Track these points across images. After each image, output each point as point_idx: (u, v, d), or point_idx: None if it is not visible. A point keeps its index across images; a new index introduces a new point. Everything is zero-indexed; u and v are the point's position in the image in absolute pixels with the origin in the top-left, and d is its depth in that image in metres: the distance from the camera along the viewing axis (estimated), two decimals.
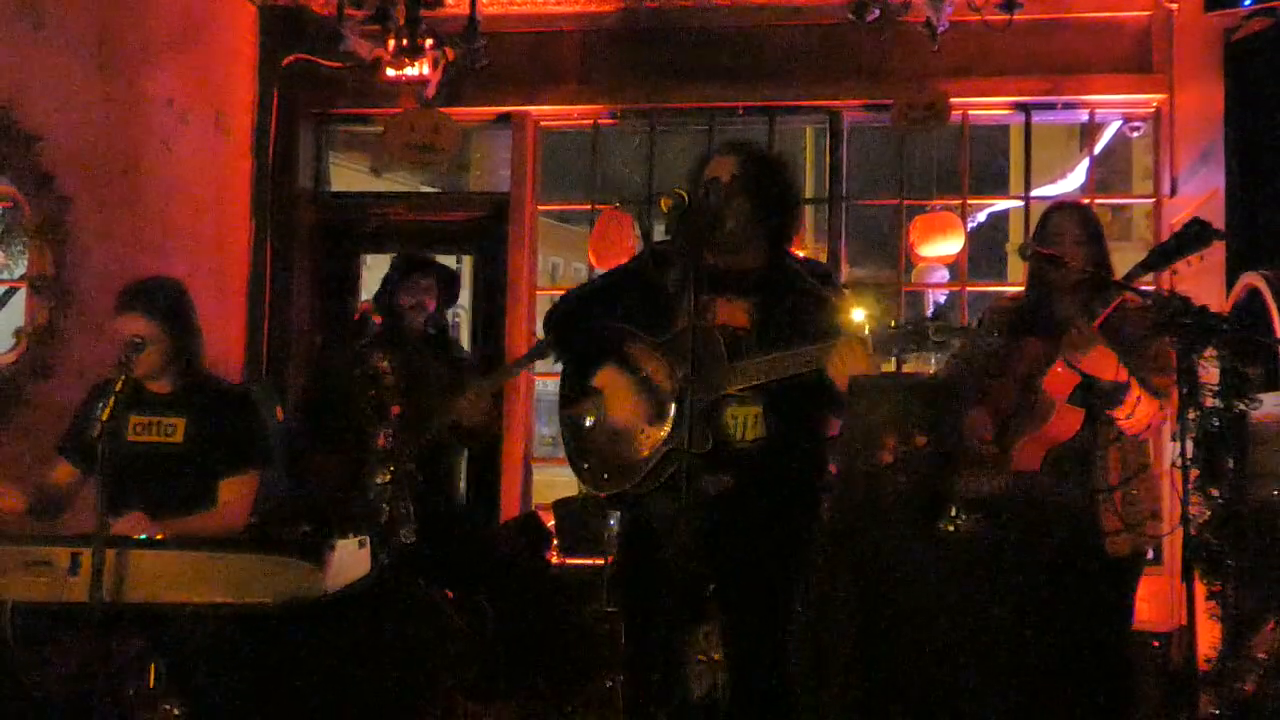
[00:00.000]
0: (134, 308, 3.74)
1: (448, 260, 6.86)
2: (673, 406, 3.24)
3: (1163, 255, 3.35)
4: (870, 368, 3.11)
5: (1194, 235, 3.26)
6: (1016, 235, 8.15)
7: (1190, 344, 3.28)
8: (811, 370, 3.13)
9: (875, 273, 7.51)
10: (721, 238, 3.25)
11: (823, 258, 6.35)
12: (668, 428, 3.24)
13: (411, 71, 5.76)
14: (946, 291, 6.58)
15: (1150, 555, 3.79)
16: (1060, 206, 3.75)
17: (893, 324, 3.07)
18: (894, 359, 3.19)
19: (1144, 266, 3.37)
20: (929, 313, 6.57)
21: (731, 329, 3.26)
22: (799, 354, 3.13)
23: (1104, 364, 3.32)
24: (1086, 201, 6.06)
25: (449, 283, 5.11)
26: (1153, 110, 6.11)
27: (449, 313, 5.14)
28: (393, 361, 4.57)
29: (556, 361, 3.64)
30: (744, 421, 3.23)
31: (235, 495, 3.77)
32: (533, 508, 6.28)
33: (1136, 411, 3.35)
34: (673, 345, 3.25)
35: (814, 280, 3.38)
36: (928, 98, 5.98)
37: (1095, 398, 3.40)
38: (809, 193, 6.79)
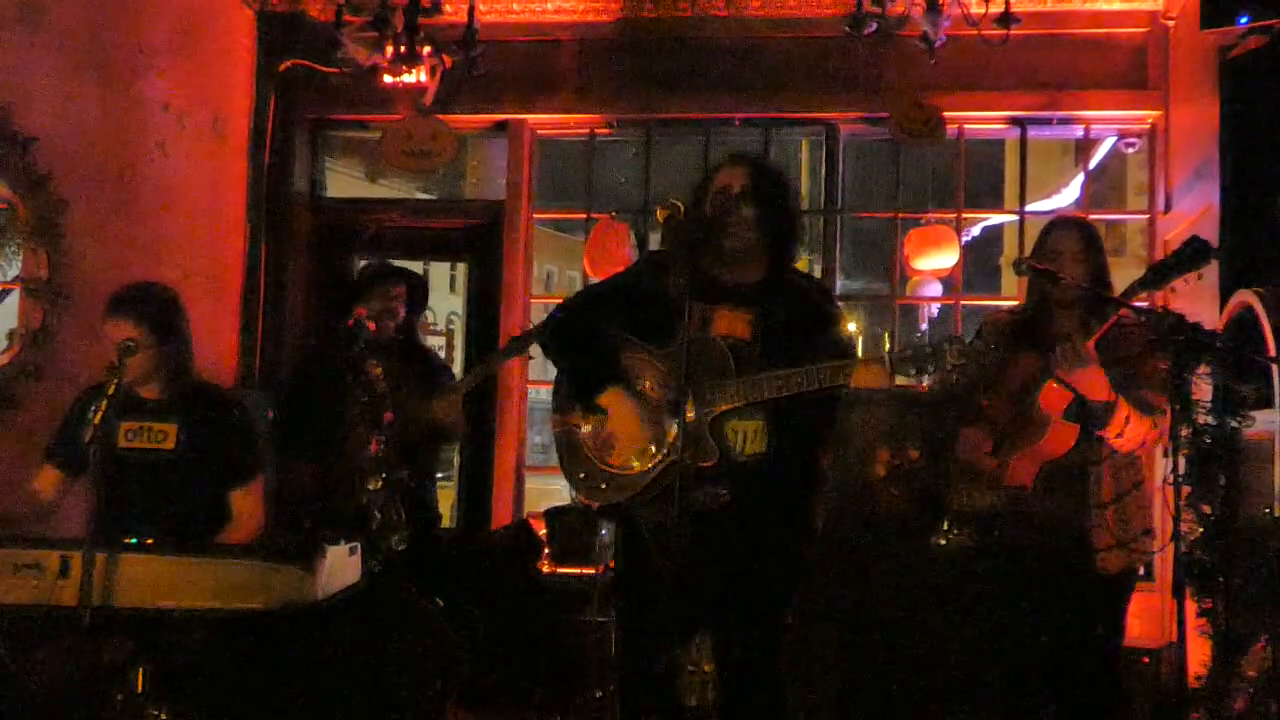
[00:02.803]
0: (123, 312, 3.73)
1: (442, 267, 6.88)
2: (672, 420, 3.23)
3: (1161, 273, 3.35)
4: (882, 385, 3.13)
5: (1192, 253, 3.27)
6: (1011, 249, 8.17)
7: (1184, 361, 3.29)
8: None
9: (869, 285, 7.52)
10: (724, 249, 3.25)
11: (817, 270, 6.36)
12: (669, 440, 3.23)
13: (409, 78, 5.75)
14: (938, 305, 6.58)
15: (1141, 572, 3.78)
16: (1061, 221, 3.75)
17: (902, 346, 3.09)
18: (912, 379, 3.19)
19: (1141, 284, 3.38)
20: (923, 326, 6.59)
21: (734, 339, 3.26)
22: (811, 371, 3.13)
23: (1095, 383, 3.31)
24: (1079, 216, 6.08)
25: (417, 289, 5.10)
26: (1148, 126, 6.13)
27: (424, 319, 5.11)
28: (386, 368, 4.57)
29: (559, 368, 3.61)
30: (745, 435, 3.22)
31: (249, 506, 3.79)
32: (524, 516, 6.27)
33: (1127, 431, 3.34)
34: (674, 356, 3.24)
35: (813, 293, 3.39)
36: (923, 113, 6.00)
37: (1085, 417, 3.40)
38: (804, 205, 6.80)
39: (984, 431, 3.51)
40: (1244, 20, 4.72)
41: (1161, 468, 3.41)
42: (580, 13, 6.37)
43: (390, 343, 4.87)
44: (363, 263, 6.13)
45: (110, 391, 3.37)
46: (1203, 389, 3.93)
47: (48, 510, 3.86)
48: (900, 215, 6.31)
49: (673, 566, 2.99)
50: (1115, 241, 8.90)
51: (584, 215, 6.55)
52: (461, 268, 7.05)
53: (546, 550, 5.57)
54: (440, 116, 6.26)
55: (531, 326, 5.69)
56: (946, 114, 6.10)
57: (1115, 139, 6.38)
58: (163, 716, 3.31)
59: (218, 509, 3.78)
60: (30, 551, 3.25)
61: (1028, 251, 3.74)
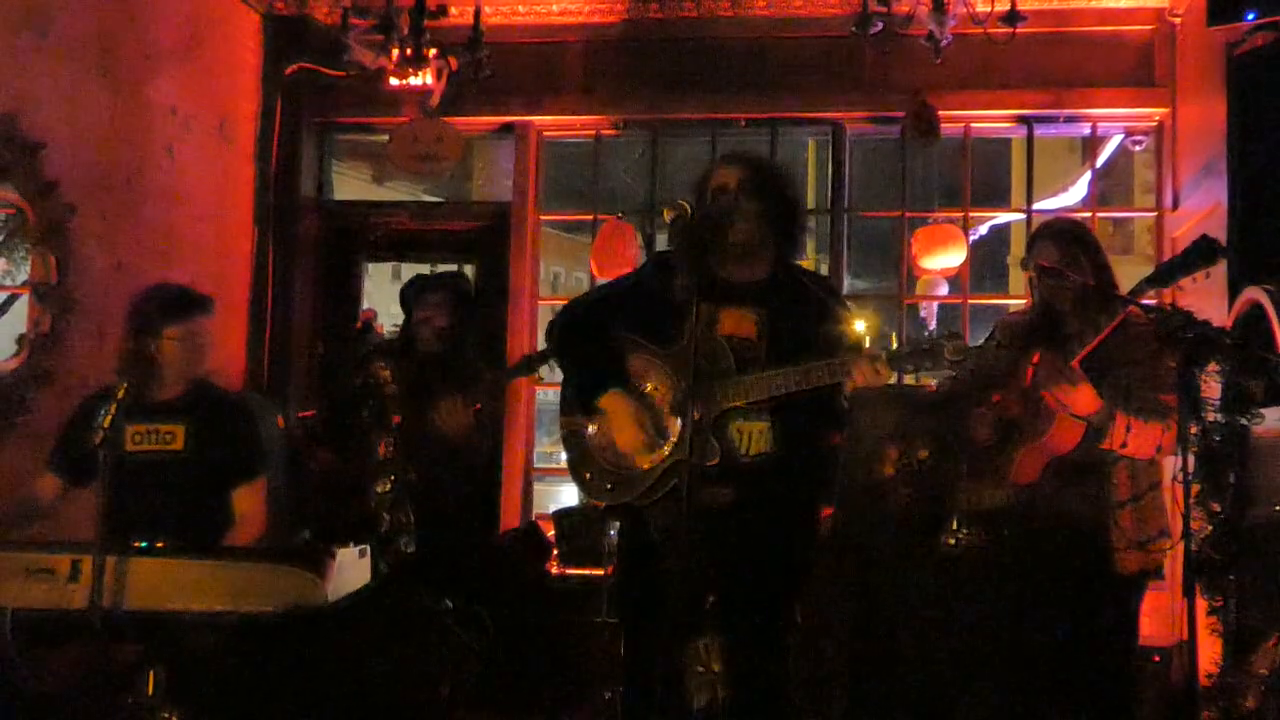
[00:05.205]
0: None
1: (449, 269, 6.87)
2: (677, 419, 3.23)
3: (1170, 271, 3.34)
4: (884, 383, 3.13)
5: (1201, 252, 3.26)
6: (1018, 248, 8.14)
7: (1192, 358, 3.28)
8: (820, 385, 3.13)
9: (877, 285, 7.51)
10: (727, 247, 3.24)
11: (824, 269, 6.35)
12: (673, 440, 3.23)
13: (415, 81, 5.76)
14: (936, 307, 6.56)
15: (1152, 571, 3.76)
16: (1042, 232, 3.70)
17: (902, 343, 3.09)
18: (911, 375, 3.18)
19: (1150, 282, 3.37)
20: (931, 325, 6.56)
21: (739, 339, 3.25)
22: (811, 369, 3.13)
23: (1082, 401, 3.29)
24: (1085, 214, 6.06)
25: (460, 295, 5.10)
26: (1155, 124, 6.12)
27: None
28: (394, 371, 4.58)
29: (563, 371, 3.62)
30: (750, 435, 3.22)
31: (251, 507, 3.80)
32: (533, 518, 6.28)
33: (1130, 440, 3.33)
34: (679, 357, 3.24)
35: (820, 291, 3.38)
36: (924, 111, 6.00)
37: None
38: (811, 204, 6.79)
39: (992, 421, 3.50)
40: (1251, 17, 4.72)
41: (1171, 466, 3.39)
42: (586, 14, 6.38)
43: (435, 350, 4.88)
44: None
45: (120, 395, 3.38)
46: (1211, 387, 3.91)
47: (44, 514, 3.89)
48: (907, 214, 6.31)
49: (680, 566, 2.98)
50: (1122, 239, 8.88)
51: (591, 216, 6.56)
52: (469, 269, 7.04)
53: (555, 552, 5.57)
54: (446, 119, 6.27)
55: (542, 348, 5.68)
56: (953, 113, 6.10)
57: (1122, 137, 6.38)
58: (173, 719, 3.31)
59: (222, 510, 3.79)
60: (41, 555, 3.26)
61: None
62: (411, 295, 5.01)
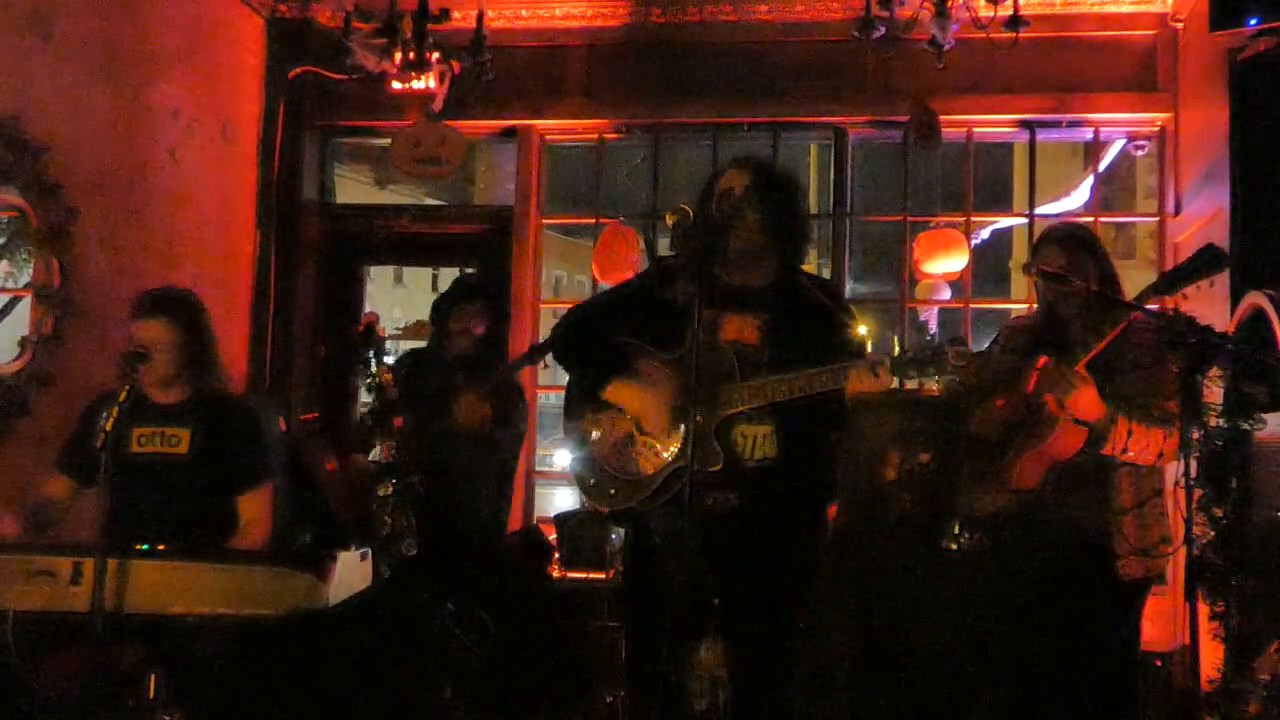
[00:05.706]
0: (154, 313, 3.76)
1: (451, 272, 6.88)
2: (681, 425, 3.23)
3: (1173, 280, 3.34)
4: (886, 388, 3.13)
5: (1205, 261, 3.26)
6: (1020, 253, 8.14)
7: (1195, 363, 3.28)
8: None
9: (878, 289, 7.51)
10: (732, 251, 3.24)
11: (826, 273, 6.35)
12: (676, 445, 3.23)
13: (418, 85, 5.76)
14: (936, 312, 6.55)
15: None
16: (1048, 236, 3.69)
17: (905, 349, 3.09)
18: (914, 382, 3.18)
19: (1154, 289, 3.37)
20: (932, 329, 6.57)
21: (742, 345, 3.25)
22: (814, 375, 3.13)
23: (1086, 405, 3.29)
24: (1088, 219, 6.06)
25: (495, 302, 5.14)
26: (1157, 129, 6.12)
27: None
28: (397, 374, 4.59)
29: (568, 373, 3.62)
30: (753, 440, 3.22)
31: (257, 512, 3.79)
32: (534, 520, 6.28)
33: (1131, 445, 3.32)
34: (682, 362, 3.24)
35: (824, 297, 3.38)
36: (927, 115, 6.00)
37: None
38: (813, 208, 6.79)
39: (993, 422, 3.50)
40: (1253, 22, 4.72)
41: (1173, 472, 3.39)
42: (588, 18, 6.38)
43: (460, 357, 4.91)
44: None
45: (123, 398, 3.38)
46: (1214, 392, 3.91)
47: (58, 517, 3.88)
48: (909, 219, 6.31)
49: (683, 570, 2.98)
50: (1124, 245, 8.87)
51: (592, 220, 6.56)
52: (470, 273, 7.05)
53: (556, 555, 5.57)
54: (449, 122, 6.27)
55: (545, 339, 5.68)
56: (955, 117, 6.10)
57: (1124, 141, 6.37)
58: None
59: (226, 515, 3.79)
60: (43, 558, 3.27)
61: None
62: (448, 304, 5.03)
